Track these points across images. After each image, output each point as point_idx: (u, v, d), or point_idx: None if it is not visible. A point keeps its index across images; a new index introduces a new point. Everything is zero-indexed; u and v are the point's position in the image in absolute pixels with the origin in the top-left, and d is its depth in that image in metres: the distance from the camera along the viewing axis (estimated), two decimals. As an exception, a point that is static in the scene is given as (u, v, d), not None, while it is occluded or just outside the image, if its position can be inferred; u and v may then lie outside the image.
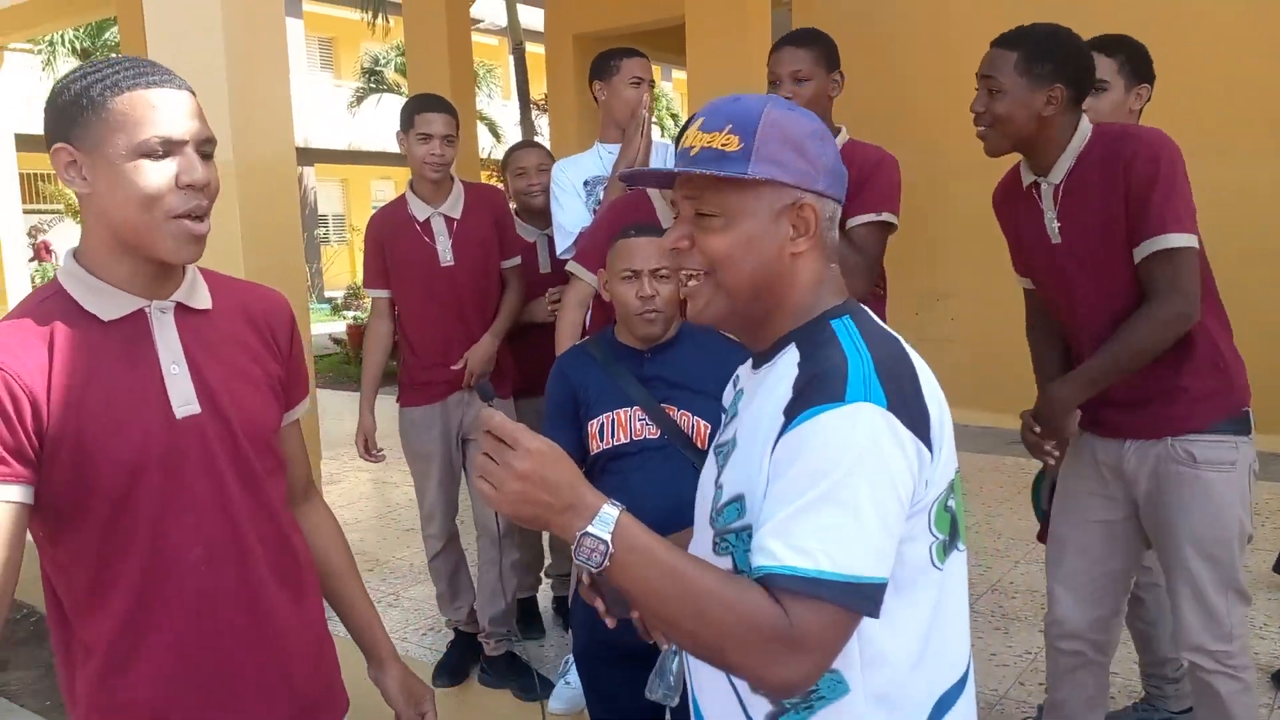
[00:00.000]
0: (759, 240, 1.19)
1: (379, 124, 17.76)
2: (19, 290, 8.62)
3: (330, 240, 23.23)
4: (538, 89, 14.29)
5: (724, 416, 1.39)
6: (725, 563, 1.17)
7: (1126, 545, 2.38)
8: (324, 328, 13.92)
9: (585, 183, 3.18)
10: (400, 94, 17.27)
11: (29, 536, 1.35)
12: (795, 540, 1.04)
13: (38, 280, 13.03)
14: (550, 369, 2.37)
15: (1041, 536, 2.68)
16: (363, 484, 6.23)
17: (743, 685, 1.21)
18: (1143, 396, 2.21)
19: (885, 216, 2.58)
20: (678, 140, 1.50)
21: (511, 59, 13.63)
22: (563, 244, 3.19)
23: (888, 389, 1.09)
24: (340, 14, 21.28)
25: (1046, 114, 2.15)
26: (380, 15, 15.90)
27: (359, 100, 19.96)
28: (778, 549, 1.04)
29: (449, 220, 3.21)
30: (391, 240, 3.25)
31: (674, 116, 21.25)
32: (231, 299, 1.51)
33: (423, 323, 3.25)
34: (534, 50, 13.88)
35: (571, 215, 3.15)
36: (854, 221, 2.56)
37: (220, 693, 1.43)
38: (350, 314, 14.87)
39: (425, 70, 5.97)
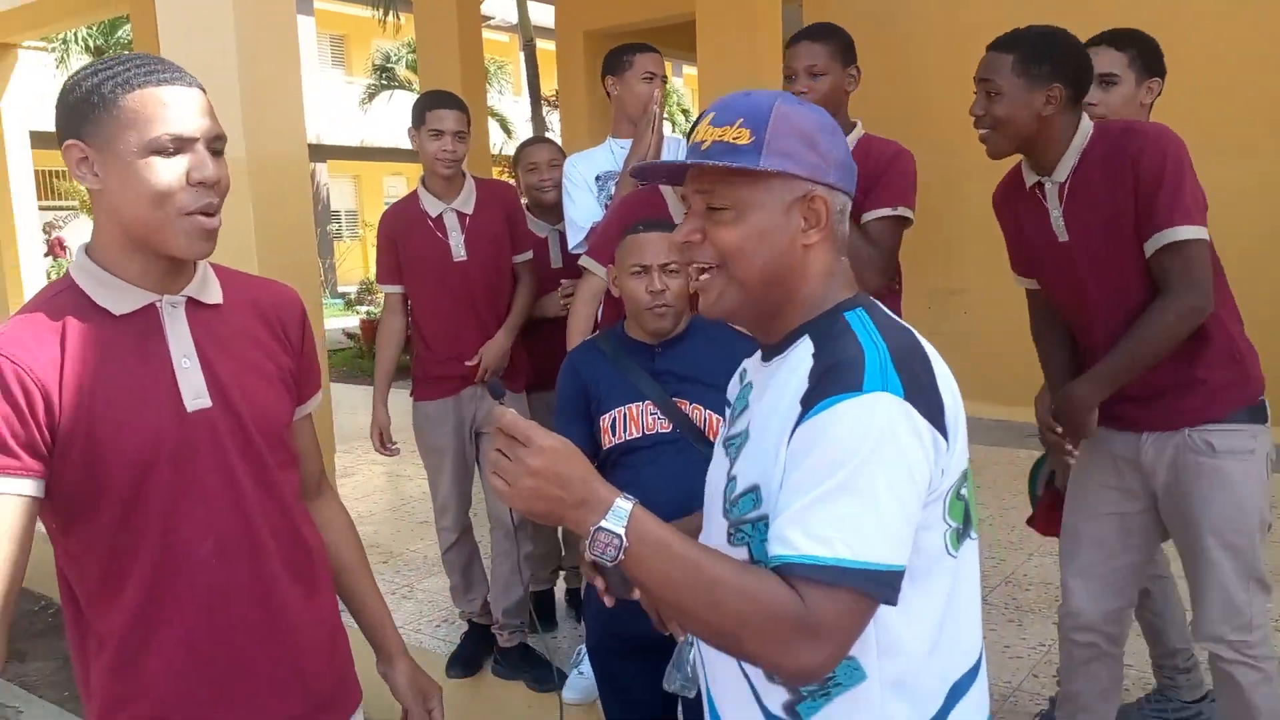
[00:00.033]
0: (770, 232, 1.20)
1: (391, 120, 17.81)
2: (35, 286, 8.67)
3: (343, 236, 23.31)
4: (549, 85, 14.30)
5: (728, 409, 1.40)
6: (741, 553, 1.18)
7: (1141, 538, 2.38)
8: (337, 322, 13.97)
9: (597, 178, 3.19)
10: (412, 90, 17.31)
11: (42, 528, 1.36)
12: (813, 529, 1.05)
13: (53, 276, 13.11)
14: (562, 363, 2.38)
15: (1031, 521, 2.71)
16: (377, 477, 6.26)
17: (756, 675, 1.22)
18: (1159, 389, 2.21)
19: (901, 211, 2.57)
20: (689, 136, 1.51)
21: (522, 55, 13.67)
22: (574, 238, 3.19)
23: (904, 378, 1.10)
24: (352, 11, 21.30)
25: (1046, 114, 2.15)
26: (391, 12, 15.94)
27: (370, 97, 20.01)
28: (796, 538, 1.05)
29: (461, 216, 3.22)
30: (404, 236, 3.26)
31: (685, 112, 21.22)
32: (242, 294, 1.52)
33: (436, 317, 3.26)
34: (545, 47, 13.88)
35: (583, 210, 3.16)
36: (869, 216, 2.56)
37: (232, 687, 1.44)
38: (363, 309, 14.91)
39: (436, 67, 5.97)
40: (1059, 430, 2.28)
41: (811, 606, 1.03)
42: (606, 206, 3.10)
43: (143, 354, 1.38)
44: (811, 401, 1.10)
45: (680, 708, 2.22)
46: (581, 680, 3.06)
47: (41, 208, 10.69)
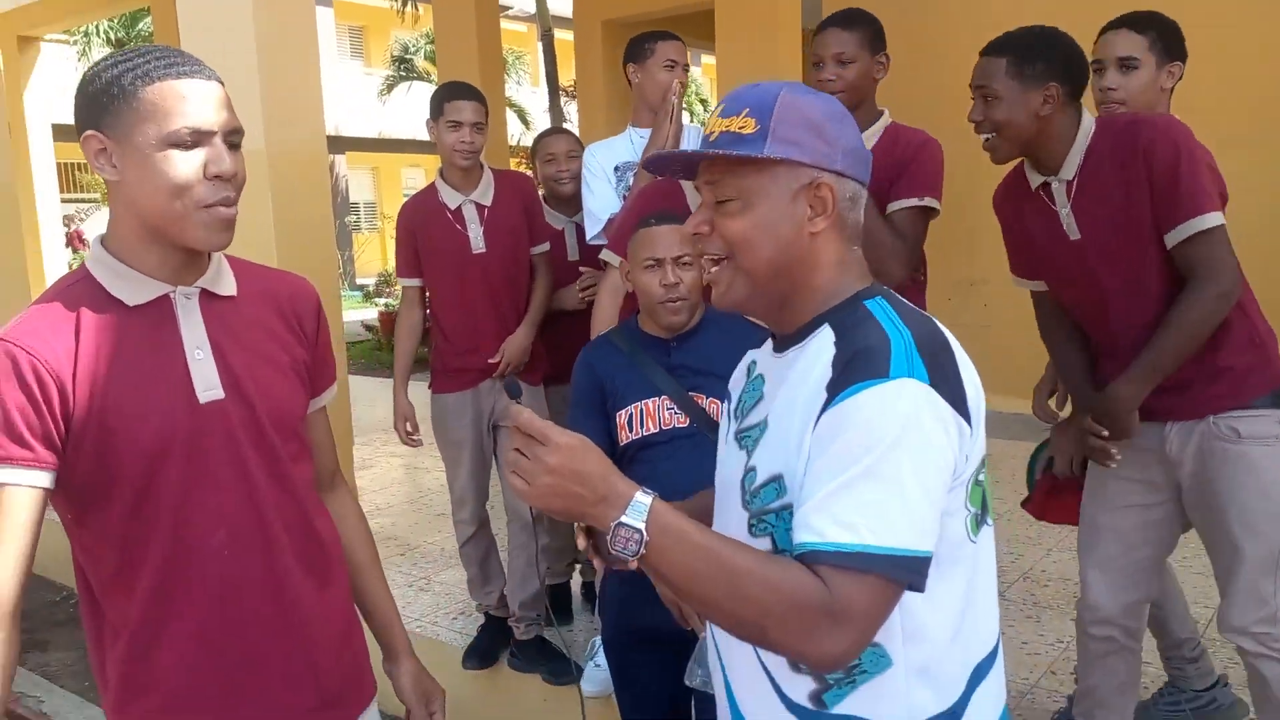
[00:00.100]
0: (776, 222, 1.20)
1: (409, 112, 17.83)
2: (56, 278, 8.74)
3: (361, 228, 23.38)
4: (566, 75, 14.29)
5: (730, 402, 1.39)
6: (764, 543, 1.18)
7: (1162, 531, 2.37)
8: (356, 315, 14.03)
9: (616, 168, 3.17)
10: (430, 82, 17.33)
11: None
12: (840, 515, 1.05)
13: (73, 268, 13.21)
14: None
15: (1026, 504, 2.71)
16: (394, 469, 6.29)
17: (777, 668, 1.22)
18: (1184, 379, 2.19)
19: (927, 201, 2.53)
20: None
21: (540, 45, 13.65)
22: (592, 230, 3.19)
23: (929, 365, 1.10)
24: (370, 2, 21.34)
25: (1045, 113, 2.14)
26: (410, 3, 15.95)
27: (389, 88, 20.04)
28: (822, 525, 1.05)
29: (480, 207, 3.22)
30: (423, 228, 3.26)
31: (703, 102, 21.14)
32: (257, 285, 1.52)
33: (455, 309, 3.26)
34: (562, 36, 13.85)
35: (601, 201, 3.15)
36: (895, 206, 2.52)
37: (244, 680, 1.44)
38: (382, 301, 14.97)
39: (454, 58, 5.97)
40: (1104, 434, 2.24)
41: (837, 593, 1.03)
42: (625, 197, 3.09)
43: (156, 345, 1.38)
44: (838, 388, 1.10)
45: (694, 700, 2.22)
46: (597, 673, 3.07)
47: (63, 200, 10.77)
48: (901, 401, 1.07)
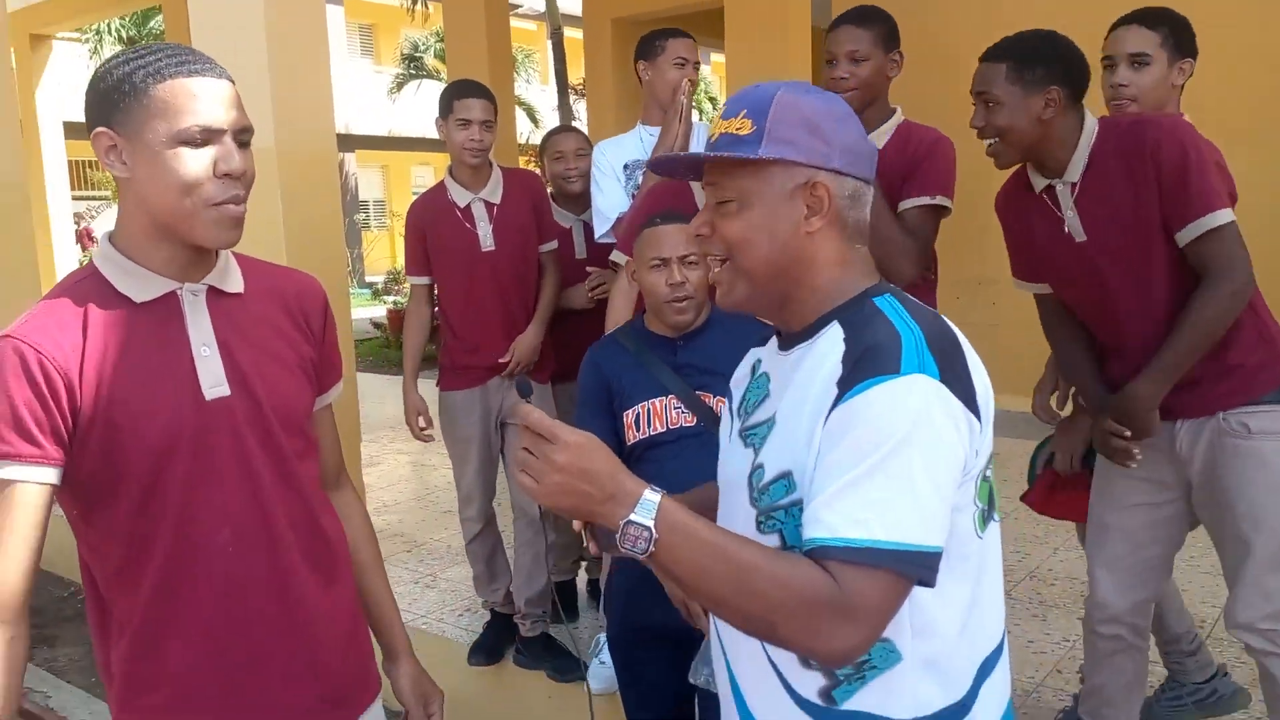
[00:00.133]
0: (772, 222, 1.21)
1: (419, 110, 17.86)
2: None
3: (371, 226, 23.42)
4: (576, 74, 14.30)
5: (734, 400, 1.39)
6: (773, 540, 1.19)
7: (1170, 530, 2.37)
8: (364, 312, 14.06)
9: (625, 166, 3.17)
10: (440, 80, 17.34)
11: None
12: (850, 511, 1.05)
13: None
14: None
15: (1025, 497, 2.72)
16: (402, 466, 6.30)
17: (786, 664, 1.22)
18: (1194, 376, 2.19)
19: (939, 200, 2.52)
20: None
21: (550, 44, 13.65)
22: (600, 228, 3.19)
23: (939, 361, 1.11)
24: (380, 0, 21.38)
25: (1046, 117, 2.14)
26: (419, 1, 15.95)
27: (399, 86, 20.10)
28: (832, 520, 1.06)
29: (489, 205, 3.22)
30: (432, 227, 3.27)
31: (712, 100, 21.13)
32: (264, 282, 1.52)
33: (464, 307, 3.27)
34: (572, 35, 13.87)
35: (610, 200, 3.15)
36: (906, 204, 2.51)
37: (249, 678, 1.45)
38: (390, 299, 15.00)
39: (464, 56, 5.98)
40: (1127, 435, 2.23)
41: (847, 589, 1.03)
42: (634, 196, 3.09)
43: (162, 342, 1.39)
44: (849, 384, 1.11)
45: (698, 698, 2.22)
46: (602, 669, 3.07)
47: (74, 197, 10.82)
48: (912, 397, 1.08)
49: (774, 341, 1.33)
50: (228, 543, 1.41)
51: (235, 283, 1.48)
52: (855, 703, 1.18)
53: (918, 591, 1.09)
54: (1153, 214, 2.12)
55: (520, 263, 3.27)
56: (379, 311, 13.84)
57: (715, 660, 1.39)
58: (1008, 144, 2.20)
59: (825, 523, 1.06)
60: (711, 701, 1.72)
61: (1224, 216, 2.08)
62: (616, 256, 2.88)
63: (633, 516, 1.06)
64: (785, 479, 1.18)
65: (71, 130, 9.18)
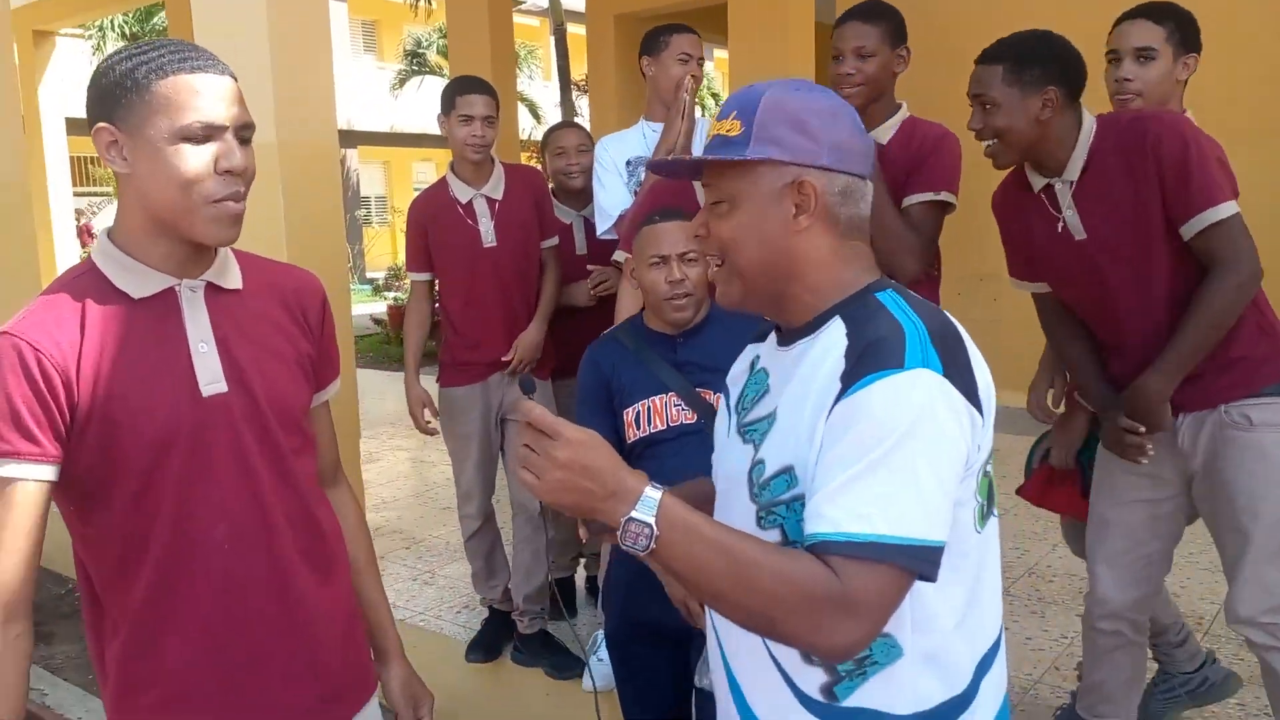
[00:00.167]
0: (761, 222, 1.22)
1: (421, 106, 17.85)
2: (70, 270, 8.77)
3: (372, 222, 23.43)
4: (578, 70, 14.27)
5: (731, 396, 1.39)
6: (774, 536, 1.19)
7: (1170, 525, 2.38)
8: (365, 308, 14.06)
9: (628, 162, 3.17)
10: (442, 76, 17.35)
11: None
12: (853, 506, 1.05)
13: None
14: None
15: (1021, 490, 2.74)
16: (401, 463, 6.31)
17: (789, 660, 1.22)
18: (1196, 370, 2.19)
19: (943, 196, 2.51)
20: None
21: (552, 40, 13.63)
22: (602, 225, 3.19)
23: (942, 356, 1.11)
24: (383, -3, 21.38)
25: (1044, 117, 2.14)
26: (422, -3, 15.91)
27: (401, 82, 20.07)
28: (834, 514, 1.06)
29: (491, 201, 3.22)
30: (434, 223, 3.27)
31: (714, 96, 21.10)
32: (262, 278, 1.52)
33: (465, 303, 3.27)
34: (575, 31, 13.87)
35: (613, 197, 3.15)
36: (910, 200, 2.51)
37: (246, 675, 1.45)
38: (391, 295, 14.99)
39: (466, 52, 5.99)
40: (1141, 431, 2.23)
41: (849, 584, 1.04)
42: (636, 193, 3.09)
43: (160, 338, 1.38)
44: (852, 379, 1.11)
45: (695, 694, 2.23)
46: (600, 667, 3.07)
47: (76, 194, 10.82)
48: (916, 392, 1.08)
49: (773, 337, 1.33)
50: (224, 539, 1.41)
51: (234, 279, 1.47)
52: (857, 699, 1.18)
53: (918, 586, 1.10)
54: (1153, 210, 2.12)
55: (522, 259, 3.27)
56: (379, 307, 13.84)
57: (712, 659, 1.39)
58: (1006, 145, 2.20)
59: (827, 517, 1.06)
60: (709, 701, 1.72)
61: (1228, 209, 2.08)
62: (620, 256, 2.87)
63: (634, 513, 1.06)
64: (786, 474, 1.18)
65: (74, 126, 9.19)
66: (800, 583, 1.04)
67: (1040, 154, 2.21)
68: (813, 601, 1.04)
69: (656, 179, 2.90)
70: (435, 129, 3.37)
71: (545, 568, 3.31)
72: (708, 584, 1.08)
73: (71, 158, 9.72)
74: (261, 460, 1.44)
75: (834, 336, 1.18)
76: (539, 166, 3.89)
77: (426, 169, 24.95)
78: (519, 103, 9.84)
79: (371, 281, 18.90)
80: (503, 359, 3.23)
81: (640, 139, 3.18)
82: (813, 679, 1.21)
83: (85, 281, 1.38)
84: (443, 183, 3.30)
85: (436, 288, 3.41)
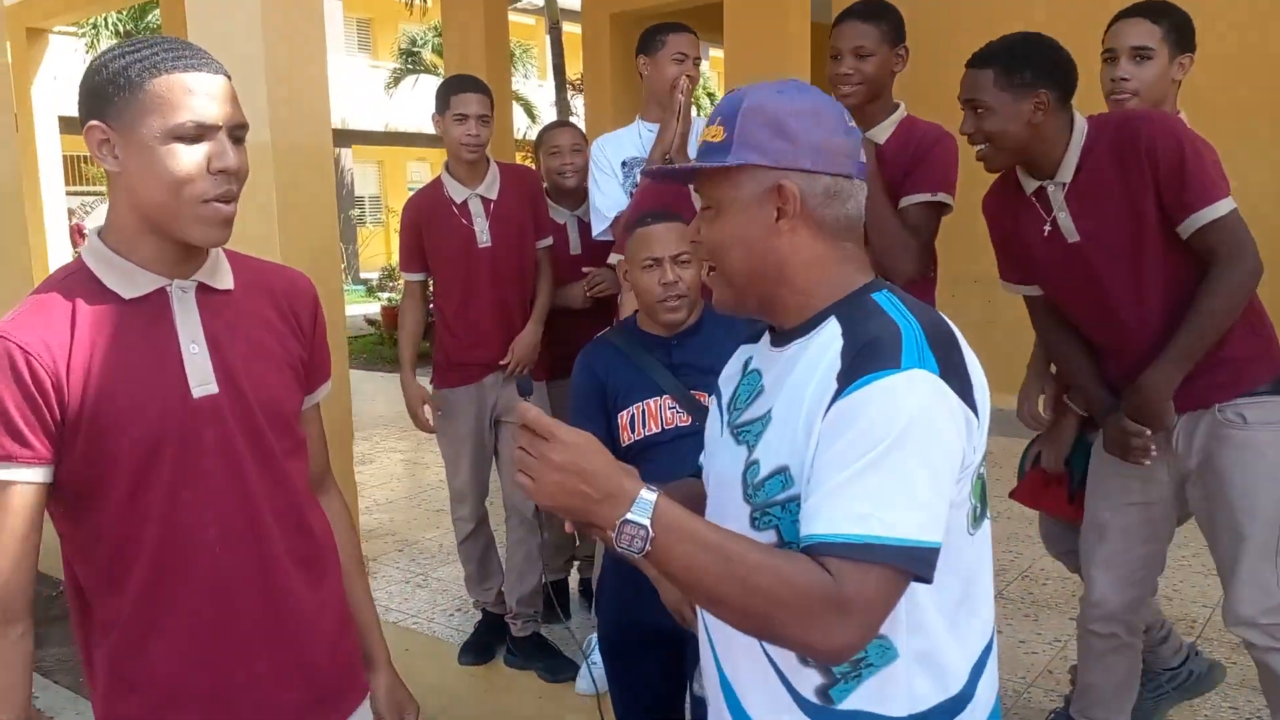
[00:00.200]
0: (744, 227, 1.22)
1: (416, 105, 17.84)
2: (62, 269, 8.75)
3: (366, 221, 23.39)
4: (574, 69, 14.27)
5: (723, 397, 1.39)
6: (768, 536, 1.18)
7: (1162, 527, 2.39)
8: (359, 309, 14.04)
9: (624, 163, 3.16)
10: (437, 75, 17.31)
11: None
12: (849, 507, 1.05)
13: (77, 260, 13.21)
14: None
15: (1013, 494, 2.75)
16: (394, 465, 6.29)
17: (785, 661, 1.22)
18: (1193, 371, 2.19)
19: (940, 197, 2.50)
20: None
21: (548, 38, 13.62)
22: (598, 227, 3.18)
23: (938, 357, 1.11)
24: (378, -5, 21.36)
25: (1037, 120, 2.14)
26: (418, -4, 15.90)
27: (396, 81, 20.03)
28: (831, 516, 1.06)
29: (486, 201, 3.22)
30: (428, 223, 3.26)
31: (710, 95, 21.09)
32: (254, 279, 1.51)
33: (460, 303, 3.26)
34: (570, 30, 13.85)
35: (609, 199, 3.14)
36: (907, 201, 2.50)
37: (237, 678, 1.44)
38: (385, 295, 14.97)
39: (462, 51, 5.98)
40: (1147, 433, 2.23)
41: (845, 585, 1.03)
42: (632, 195, 3.08)
43: (151, 339, 1.37)
44: (849, 379, 1.10)
45: (690, 698, 2.22)
46: (593, 670, 3.07)
47: (69, 193, 10.78)
48: (912, 393, 1.08)
49: (766, 338, 1.32)
50: (215, 541, 1.40)
51: (225, 279, 1.46)
52: (852, 702, 1.18)
53: (913, 587, 1.09)
54: (1147, 210, 2.12)
55: (517, 259, 3.26)
56: (373, 308, 13.81)
57: (704, 662, 1.38)
58: (999, 149, 2.19)
59: (824, 519, 1.06)
60: (704, 708, 1.72)
61: (1226, 205, 2.09)
62: (615, 259, 2.86)
63: (629, 515, 1.06)
64: (781, 474, 1.17)
65: (67, 125, 9.15)
66: (796, 585, 1.04)
67: (1033, 157, 2.21)
68: (809, 603, 1.04)
69: (649, 181, 2.90)
70: (430, 128, 3.36)
71: (538, 570, 3.30)
72: (703, 587, 1.08)
73: (65, 157, 9.68)
74: (253, 462, 1.43)
75: (829, 337, 1.18)
76: (534, 166, 3.88)
77: (421, 168, 24.92)
78: (514, 102, 9.83)
79: (365, 282, 18.85)
80: (500, 362, 3.22)
81: (636, 139, 3.17)
82: (808, 681, 1.20)
83: (75, 281, 1.37)
84: (437, 182, 3.29)
85: (430, 288, 3.40)
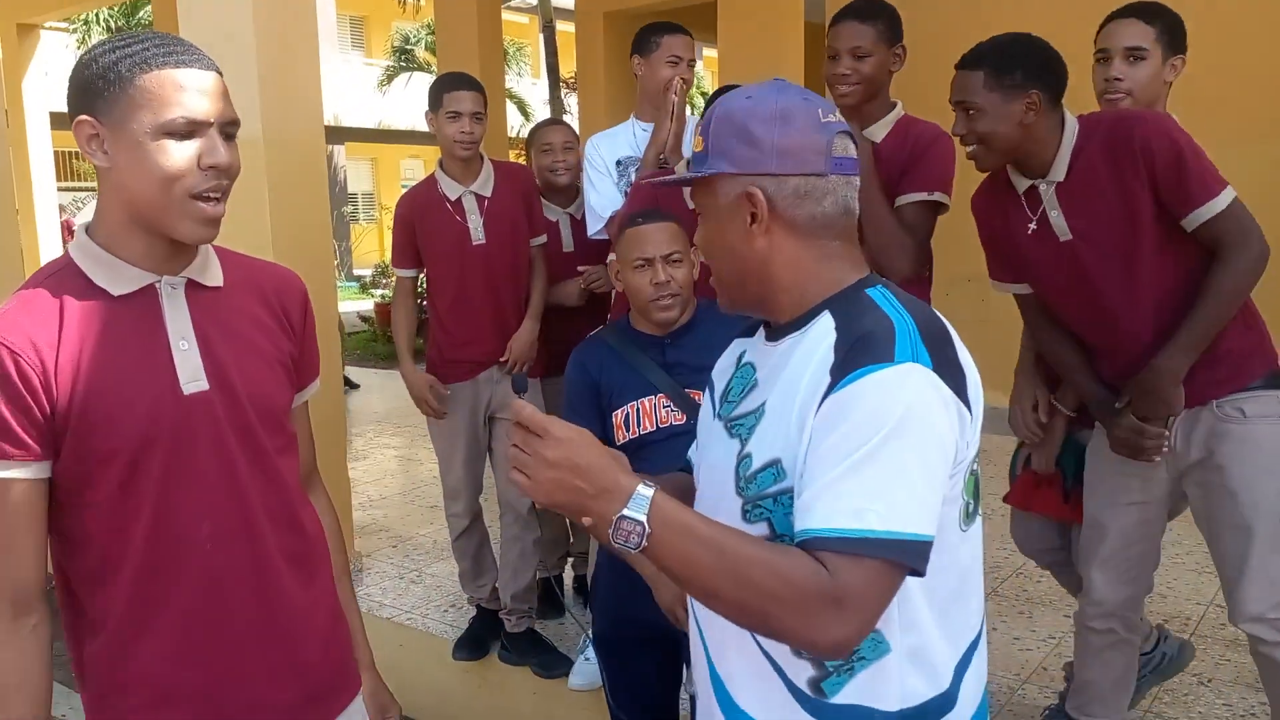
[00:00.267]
0: (722, 233, 1.25)
1: (409, 103, 17.80)
2: (54, 266, 8.73)
3: (359, 218, 23.35)
4: (567, 67, 14.24)
5: (716, 390, 1.39)
6: (760, 529, 1.19)
7: (1158, 524, 2.40)
8: (352, 305, 14.02)
9: (618, 162, 3.16)
10: (430, 72, 17.30)
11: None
12: (843, 501, 1.05)
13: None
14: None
15: (1007, 498, 2.77)
16: (388, 461, 6.28)
17: (780, 652, 1.22)
18: (1190, 367, 2.19)
19: (936, 196, 2.49)
20: None
21: (541, 37, 13.59)
22: (593, 226, 3.18)
23: (932, 351, 1.11)
24: (371, -8, 21.31)
25: (1028, 121, 2.14)
26: (411, -7, 15.86)
27: (389, 79, 20.01)
28: (825, 510, 1.06)
29: (480, 199, 3.21)
30: (422, 220, 3.25)
31: (704, 95, 21.10)
32: (244, 276, 1.50)
33: (454, 300, 3.25)
34: (564, 28, 13.82)
35: (604, 198, 3.14)
36: (903, 200, 2.49)
37: (228, 675, 1.43)
38: (378, 292, 14.95)
39: (455, 48, 5.97)
40: (1155, 433, 2.22)
41: (840, 578, 1.03)
42: (627, 194, 3.07)
43: (140, 335, 1.36)
44: (842, 372, 1.11)
45: (684, 694, 2.22)
46: (588, 666, 3.07)
47: (60, 189, 10.74)
48: (906, 386, 1.08)
49: (761, 333, 1.33)
50: (207, 539, 1.39)
51: (215, 276, 1.45)
52: (844, 696, 1.19)
53: (906, 583, 1.10)
54: (1141, 209, 2.13)
55: (511, 256, 3.25)
56: (367, 305, 13.79)
57: (695, 657, 1.38)
58: (990, 149, 2.19)
59: (818, 513, 1.06)
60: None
61: (1226, 198, 2.09)
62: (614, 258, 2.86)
63: (626, 511, 1.06)
64: (774, 467, 1.18)
65: (58, 121, 9.12)
66: (793, 580, 1.04)
67: (1024, 157, 2.21)
68: (805, 598, 1.04)
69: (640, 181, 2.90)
70: (423, 125, 3.35)
71: (533, 566, 3.30)
72: (700, 581, 1.08)
73: (56, 152, 9.64)
74: (244, 459, 1.42)
75: (823, 330, 1.18)
76: (525, 163, 3.87)
77: (414, 166, 24.88)
78: (507, 100, 9.81)
79: (359, 279, 18.85)
80: (500, 360, 3.21)
81: (631, 138, 3.17)
82: (802, 671, 1.21)
83: (63, 278, 1.36)
84: (431, 180, 3.28)
85: (424, 285, 3.38)
